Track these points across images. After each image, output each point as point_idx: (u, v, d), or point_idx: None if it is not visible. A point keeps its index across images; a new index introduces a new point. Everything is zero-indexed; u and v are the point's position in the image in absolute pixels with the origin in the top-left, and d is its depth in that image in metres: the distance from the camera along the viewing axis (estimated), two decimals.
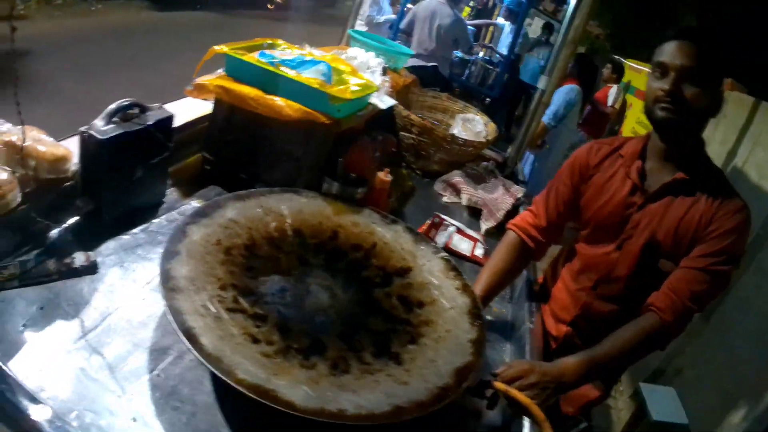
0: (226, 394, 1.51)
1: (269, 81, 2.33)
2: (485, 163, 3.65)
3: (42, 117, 1.59)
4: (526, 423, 1.71)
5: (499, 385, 1.71)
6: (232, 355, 1.40)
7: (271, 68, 2.34)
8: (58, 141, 1.98)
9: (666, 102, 2.00)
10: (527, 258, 2.42)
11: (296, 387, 1.39)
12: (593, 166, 2.32)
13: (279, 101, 2.25)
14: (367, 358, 1.64)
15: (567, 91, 6.58)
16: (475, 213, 3.27)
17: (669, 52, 2.02)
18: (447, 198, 3.38)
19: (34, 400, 1.23)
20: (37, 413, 1.21)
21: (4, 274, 1.60)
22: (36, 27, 9.18)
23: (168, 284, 1.52)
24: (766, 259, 4.13)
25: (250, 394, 1.30)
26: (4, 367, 1.30)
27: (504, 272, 2.32)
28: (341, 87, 2.43)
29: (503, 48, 10.20)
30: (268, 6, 18.37)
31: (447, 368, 1.64)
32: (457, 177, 3.42)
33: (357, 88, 2.50)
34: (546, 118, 6.37)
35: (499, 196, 3.28)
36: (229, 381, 1.31)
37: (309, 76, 2.37)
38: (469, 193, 3.30)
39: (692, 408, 3.84)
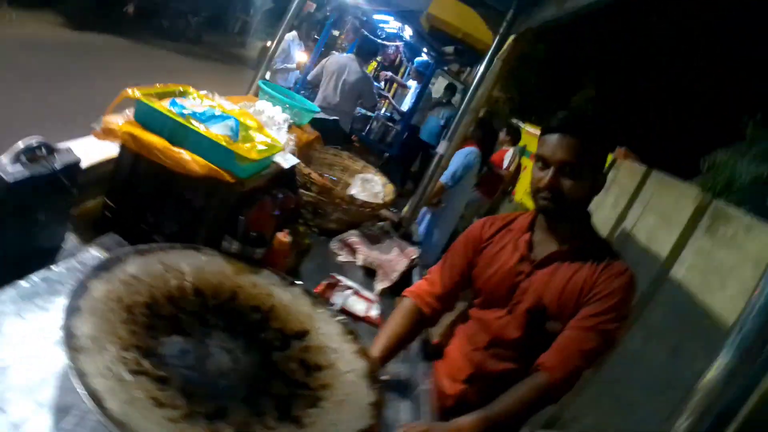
0: None
1: (178, 133, 2.31)
2: (381, 223, 3.72)
3: None
4: None
5: None
6: (139, 420, 1.38)
7: (181, 120, 2.33)
8: None
9: (545, 193, 2.17)
10: (422, 324, 2.50)
11: None
12: (485, 239, 2.46)
13: (185, 155, 2.23)
14: (270, 422, 1.64)
15: (466, 154, 6.74)
16: (369, 273, 3.31)
17: (550, 145, 2.18)
18: (343, 257, 3.41)
19: None
20: None
21: None
22: None
23: (71, 343, 1.49)
24: (652, 315, 4.34)
25: None
26: None
27: (400, 337, 2.38)
28: (248, 145, 2.45)
29: (405, 106, 10.36)
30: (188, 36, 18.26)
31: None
32: (353, 237, 3.47)
33: (263, 147, 2.52)
34: (444, 178, 6.49)
35: (394, 258, 3.34)
36: None
37: (217, 132, 2.38)
38: (364, 254, 3.35)
39: None
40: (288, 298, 2.22)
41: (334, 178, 4.09)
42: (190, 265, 2.13)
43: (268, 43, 4.71)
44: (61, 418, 1.51)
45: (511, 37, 4.21)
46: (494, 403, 2.09)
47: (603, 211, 6.09)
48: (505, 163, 9.33)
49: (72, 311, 1.60)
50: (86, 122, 2.47)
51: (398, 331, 2.41)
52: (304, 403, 1.78)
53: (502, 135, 9.39)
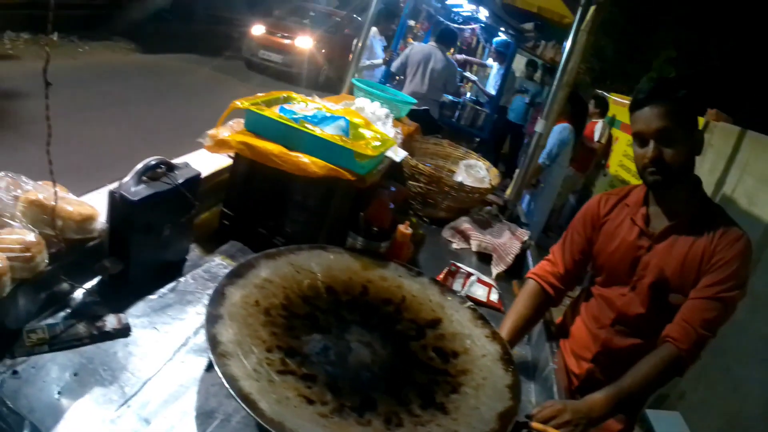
0: None
1: (292, 137, 2.35)
2: (488, 207, 3.69)
3: (38, 159, 1.58)
4: None
5: (537, 425, 1.79)
6: (292, 418, 1.42)
7: (294, 125, 2.37)
8: (80, 196, 1.98)
9: (651, 168, 2.14)
10: (547, 304, 2.49)
11: None
12: (603, 216, 2.44)
13: (304, 158, 2.26)
14: (416, 410, 1.67)
15: (560, 131, 6.68)
16: (484, 258, 3.30)
17: (642, 119, 2.15)
18: (456, 244, 3.41)
19: None
20: None
21: (32, 339, 1.60)
22: (26, 67, 9.22)
23: (217, 350, 1.54)
24: (758, 282, 4.21)
25: None
26: None
27: (527, 318, 2.38)
28: (362, 142, 2.48)
29: (491, 88, 10.26)
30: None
31: (490, 414, 1.70)
32: (465, 224, 3.46)
33: (378, 143, 2.55)
34: (540, 158, 6.46)
35: (507, 241, 3.32)
36: None
37: (331, 132, 2.41)
38: (478, 239, 3.33)
39: (700, 430, 3.86)
40: (417, 289, 2.25)
41: (437, 168, 4.08)
42: (319, 265, 2.17)
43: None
44: (206, 423, 1.56)
45: (593, 7, 4.14)
46: (623, 377, 2.07)
47: (701, 177, 5.93)
48: (596, 136, 9.17)
49: (214, 319, 1.65)
50: (185, 138, 2.52)
51: (524, 313, 2.40)
52: (446, 390, 1.80)
53: (591, 107, 9.24)
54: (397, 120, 3.78)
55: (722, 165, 5.51)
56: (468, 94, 10.69)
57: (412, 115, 4.63)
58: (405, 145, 3.56)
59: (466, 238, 3.41)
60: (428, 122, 5.66)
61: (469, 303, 2.21)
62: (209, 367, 1.69)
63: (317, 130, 2.39)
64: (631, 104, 2.24)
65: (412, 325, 2.09)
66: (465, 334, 2.07)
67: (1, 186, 1.78)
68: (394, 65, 8.04)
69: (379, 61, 8.24)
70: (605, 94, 11.38)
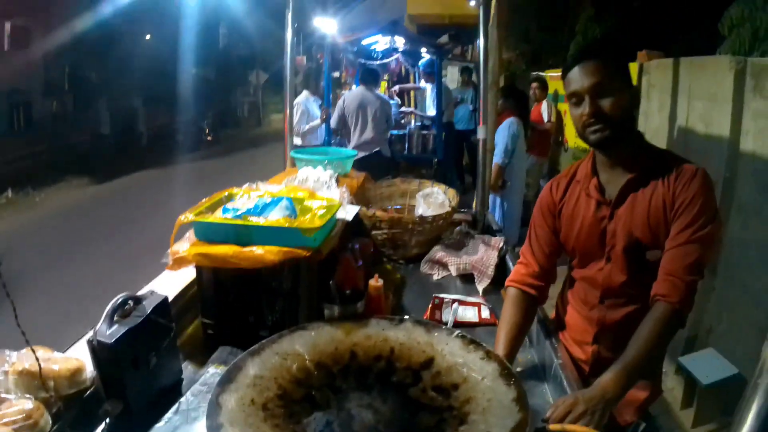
0: None
1: (242, 234, 2.41)
2: (459, 227, 3.74)
3: (29, 318, 1.65)
4: None
5: (554, 426, 1.80)
6: None
7: (239, 222, 2.45)
8: (64, 351, 2.05)
9: (592, 124, 2.18)
10: (533, 305, 2.51)
11: None
12: (558, 202, 2.48)
13: (258, 250, 2.33)
14: None
15: (508, 126, 6.77)
16: (467, 279, 3.34)
17: (575, 78, 2.20)
18: (437, 275, 3.45)
19: None
20: None
21: None
22: None
23: None
24: (743, 195, 4.26)
25: None
26: None
27: (518, 326, 2.40)
28: (308, 216, 2.54)
29: (431, 109, 10.37)
30: (200, 147, 18.54)
31: None
32: (439, 252, 3.51)
33: (323, 211, 2.59)
34: (497, 158, 6.60)
35: (484, 255, 3.37)
36: None
37: (276, 218, 2.48)
38: (455, 263, 3.38)
39: (738, 356, 3.89)
40: (403, 336, 2.28)
41: (399, 206, 4.14)
42: (304, 345, 2.21)
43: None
44: None
45: (493, 2, 4.24)
46: (626, 351, 2.08)
47: (653, 120, 6.00)
48: (545, 117, 9.32)
49: (216, 429, 1.69)
50: (157, 258, 2.58)
51: (513, 320, 2.42)
52: (454, 424, 1.83)
53: (531, 91, 9.38)
54: (345, 176, 3.85)
55: (668, 99, 5.59)
56: (413, 123, 10.79)
57: (365, 161, 4.70)
58: (358, 196, 3.63)
59: (444, 265, 3.46)
60: (381, 163, 5.74)
61: (457, 332, 2.24)
62: None
63: (261, 220, 2.46)
64: (562, 71, 2.30)
65: (407, 372, 2.12)
66: (460, 364, 2.10)
67: None
68: (333, 120, 8.15)
69: (317, 121, 8.32)
70: (540, 73, 11.54)
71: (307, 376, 2.08)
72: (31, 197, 12.12)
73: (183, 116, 19.14)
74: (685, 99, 5.31)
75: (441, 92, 9.67)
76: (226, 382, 1.92)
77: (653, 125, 5.91)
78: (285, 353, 2.14)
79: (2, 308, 1.78)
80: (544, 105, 9.39)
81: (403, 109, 11.32)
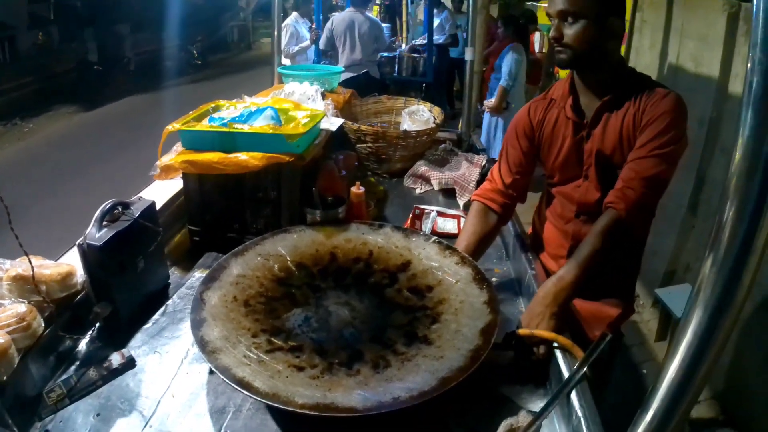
0: (291, 424, 1.64)
1: (227, 141, 2.47)
2: (443, 145, 3.78)
3: (28, 244, 1.72)
4: (558, 354, 1.83)
5: (523, 331, 1.88)
6: (285, 387, 1.55)
7: (224, 129, 2.49)
8: (57, 260, 2.11)
9: (555, 47, 2.22)
10: (495, 220, 2.54)
11: (351, 393, 1.54)
12: (537, 124, 2.50)
13: (242, 156, 2.39)
14: (401, 349, 1.78)
15: (511, 51, 6.87)
16: (449, 193, 3.40)
17: (551, 1, 2.19)
18: (419, 189, 3.50)
19: None
20: None
21: (53, 398, 1.72)
22: None
23: (207, 349, 1.68)
24: (726, 137, 4.29)
25: (315, 413, 1.46)
26: None
27: (477, 236, 2.45)
28: (292, 124, 2.60)
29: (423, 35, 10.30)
30: (189, 71, 18.36)
31: (473, 332, 1.79)
32: (422, 167, 3.55)
33: (306, 120, 2.64)
34: (502, 81, 6.90)
35: (466, 171, 3.41)
36: (292, 409, 1.46)
37: (261, 125, 2.53)
38: (437, 178, 3.43)
39: None
40: (381, 240, 2.35)
41: (385, 124, 4.16)
42: (285, 247, 2.28)
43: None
44: (221, 418, 1.69)
45: None
46: (577, 250, 2.14)
47: (644, 57, 5.99)
48: (536, 47, 9.35)
49: (198, 323, 1.79)
50: (144, 182, 2.63)
51: (472, 230, 2.47)
52: (426, 323, 1.92)
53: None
54: (330, 92, 3.88)
55: (660, 36, 5.58)
56: (404, 45, 10.71)
57: (353, 81, 4.71)
58: (344, 112, 3.67)
59: (426, 180, 3.51)
60: (370, 83, 5.74)
61: (434, 238, 2.30)
62: (212, 370, 1.81)
63: (246, 127, 2.51)
64: None
65: (384, 274, 2.19)
66: (435, 267, 2.17)
67: None
68: (321, 42, 8.13)
69: (306, 42, 8.29)
70: (535, 3, 11.46)
71: (288, 275, 2.16)
72: (19, 128, 11.96)
73: (171, 41, 18.84)
74: (676, 37, 5.30)
75: (431, 15, 9.62)
76: (209, 280, 2.01)
77: (644, 61, 5.90)
78: (267, 254, 2.22)
79: None
80: (536, 36, 9.41)
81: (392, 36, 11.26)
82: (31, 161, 9.68)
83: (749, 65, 0.86)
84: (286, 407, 1.47)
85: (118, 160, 9.04)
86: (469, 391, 1.70)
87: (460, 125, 4.48)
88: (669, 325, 4.47)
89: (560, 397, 1.62)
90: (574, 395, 1.61)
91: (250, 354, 1.70)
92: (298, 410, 1.47)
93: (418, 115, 3.93)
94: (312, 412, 1.46)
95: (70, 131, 11.94)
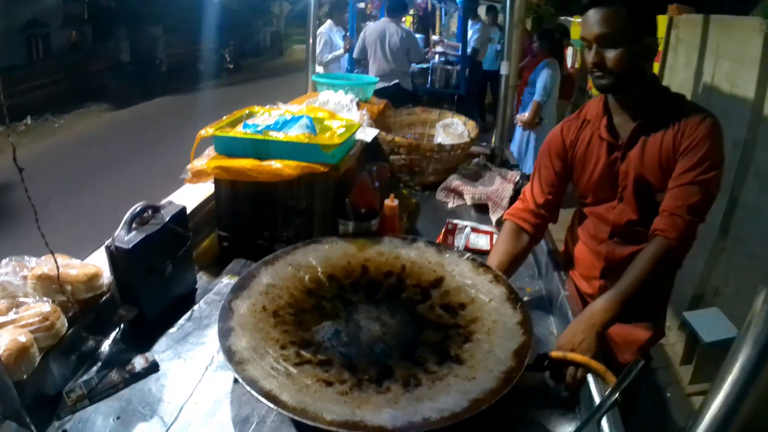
0: None
1: (261, 148, 2.45)
2: (476, 159, 3.75)
3: (38, 239, 1.70)
4: (590, 379, 1.79)
5: (556, 353, 1.84)
6: (314, 402, 1.52)
7: (259, 137, 2.48)
8: (83, 260, 2.09)
9: (595, 72, 2.17)
10: (527, 240, 2.52)
11: (380, 411, 1.51)
12: (570, 145, 2.46)
13: (276, 164, 2.37)
14: (432, 367, 1.75)
15: (546, 66, 6.89)
16: (481, 209, 3.37)
17: (586, 24, 2.16)
18: (452, 203, 3.48)
19: None
20: None
21: (72, 398, 1.70)
22: (6, 159, 9.28)
23: (234, 359, 1.65)
24: (761, 160, 4.23)
25: (344, 430, 1.43)
26: None
27: (509, 255, 2.43)
28: (327, 134, 2.57)
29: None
30: (221, 74, 18.49)
31: (505, 353, 1.76)
32: (455, 181, 3.53)
33: (342, 130, 2.63)
34: (537, 96, 6.91)
35: (499, 186, 3.38)
36: (320, 425, 1.43)
37: (296, 134, 2.51)
38: (470, 193, 3.40)
39: (742, 320, 3.91)
40: (415, 254, 2.32)
41: (417, 136, 4.14)
42: (317, 258, 2.26)
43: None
44: (244, 428, 1.67)
45: None
46: (619, 281, 2.12)
47: (678, 75, 5.94)
48: (569, 63, 9.32)
49: (226, 332, 1.76)
50: (172, 183, 2.62)
51: (503, 249, 2.46)
52: (458, 341, 1.88)
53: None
54: (364, 102, 3.87)
55: (695, 56, 5.54)
56: (437, 58, 10.73)
57: (384, 92, 4.69)
58: (378, 123, 3.65)
59: (459, 194, 3.48)
60: (401, 95, 5.73)
61: (468, 254, 2.28)
62: (236, 379, 1.78)
63: (281, 135, 2.49)
64: (580, 8, 2.28)
65: (416, 289, 2.17)
66: (469, 285, 2.14)
67: (8, 270, 1.89)
68: (355, 51, 8.15)
69: (340, 51, 8.32)
70: (569, 18, 11.43)
71: (319, 287, 2.14)
72: (50, 124, 12.11)
73: (204, 44, 19.05)
74: (712, 57, 5.25)
75: (466, 25, 9.61)
76: (239, 289, 1.99)
77: (678, 80, 5.85)
78: (298, 264, 2.20)
79: (24, 223, 1.83)
80: (569, 51, 9.38)
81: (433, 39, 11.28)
82: (60, 157, 9.78)
83: None
84: (313, 423, 1.45)
85: (146, 160, 9.10)
86: (497, 412, 1.66)
87: (493, 140, 4.45)
88: (696, 350, 4.40)
89: (591, 422, 1.60)
90: (604, 422, 1.58)
91: (278, 366, 1.67)
92: (326, 427, 1.44)
93: (452, 129, 3.92)
94: (340, 430, 1.43)
95: (100, 129, 12.06)
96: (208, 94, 15.30)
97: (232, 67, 19.95)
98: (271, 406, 1.48)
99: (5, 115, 1.50)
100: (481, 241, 2.88)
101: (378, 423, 1.46)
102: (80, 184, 8.18)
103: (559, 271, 2.50)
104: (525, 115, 7.24)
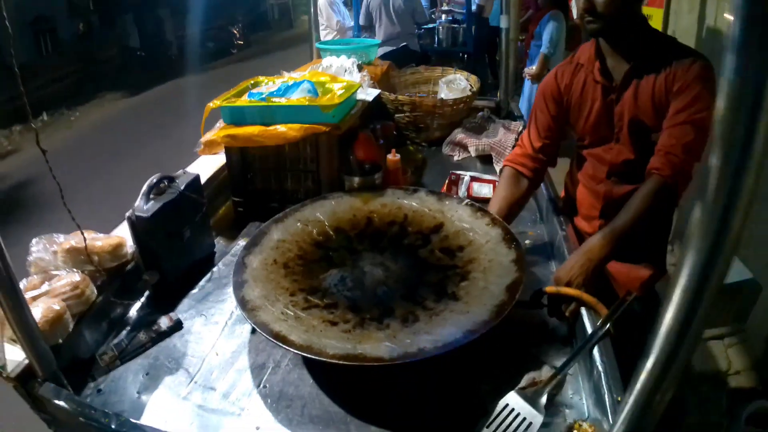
0: (325, 378, 1.76)
1: (266, 114, 2.58)
2: (481, 113, 3.82)
3: (66, 221, 1.85)
4: (584, 312, 1.87)
5: (549, 288, 1.93)
6: (319, 340, 1.65)
7: (263, 103, 2.60)
8: (109, 234, 2.24)
9: (586, 18, 2.23)
10: (527, 185, 2.58)
11: (379, 345, 1.63)
12: (564, 89, 2.53)
13: (281, 128, 2.50)
14: (430, 305, 1.86)
15: (551, 18, 6.88)
16: (486, 160, 3.45)
17: None
18: (457, 156, 3.56)
19: None
20: None
21: (105, 360, 1.86)
22: (28, 154, 9.58)
23: (247, 307, 1.79)
24: None
25: (345, 363, 1.56)
26: (138, 422, 1.59)
27: (508, 200, 2.49)
28: (328, 96, 2.68)
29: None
30: (232, 51, 18.48)
31: (499, 289, 1.85)
32: (460, 134, 3.61)
33: (342, 91, 2.73)
34: (544, 48, 6.95)
35: (502, 137, 3.45)
36: (324, 359, 1.57)
37: (298, 97, 2.63)
38: (475, 145, 3.48)
39: (756, 264, 3.92)
40: (416, 204, 2.42)
41: (423, 94, 4.21)
42: (324, 213, 2.38)
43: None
44: (261, 373, 1.82)
45: None
46: (615, 218, 2.18)
47: (682, 20, 5.90)
48: (575, 13, 9.27)
49: (239, 285, 1.90)
50: (190, 161, 2.75)
51: (503, 195, 2.52)
52: (456, 280, 1.99)
53: None
54: (368, 64, 3.96)
55: (699, 0, 5.51)
56: (443, 17, 10.71)
57: (392, 55, 4.76)
58: (383, 83, 3.74)
59: (464, 147, 3.56)
60: (409, 56, 5.78)
61: (467, 200, 2.36)
62: (253, 330, 1.92)
63: (283, 100, 2.61)
64: None
65: (418, 236, 2.27)
66: (467, 229, 2.23)
67: (39, 248, 2.03)
68: (361, 18, 8.17)
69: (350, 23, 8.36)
70: None
71: (326, 239, 2.26)
72: (66, 116, 12.17)
73: (212, 22, 19.00)
74: (714, 1, 5.23)
75: None
76: (251, 245, 2.13)
77: (683, 25, 5.80)
78: (306, 220, 2.32)
79: (49, 211, 1.97)
80: (574, 2, 9.34)
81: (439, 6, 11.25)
82: (80, 147, 9.90)
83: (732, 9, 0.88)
84: (317, 357, 1.58)
85: (164, 141, 9.16)
86: (498, 348, 1.80)
87: (498, 93, 4.50)
88: None
89: (582, 352, 1.69)
90: (596, 351, 1.67)
91: (288, 311, 1.81)
92: (328, 360, 1.57)
93: (455, 84, 3.98)
94: (341, 362, 1.56)
95: (116, 117, 12.15)
96: (219, 72, 15.30)
97: (242, 42, 19.92)
98: (280, 345, 1.62)
99: (29, 111, 1.64)
100: (484, 190, 2.96)
101: (376, 354, 1.58)
102: (101, 169, 8.32)
103: (558, 216, 2.57)
104: (533, 68, 7.25)
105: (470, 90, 3.87)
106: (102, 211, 2.38)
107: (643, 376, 1.09)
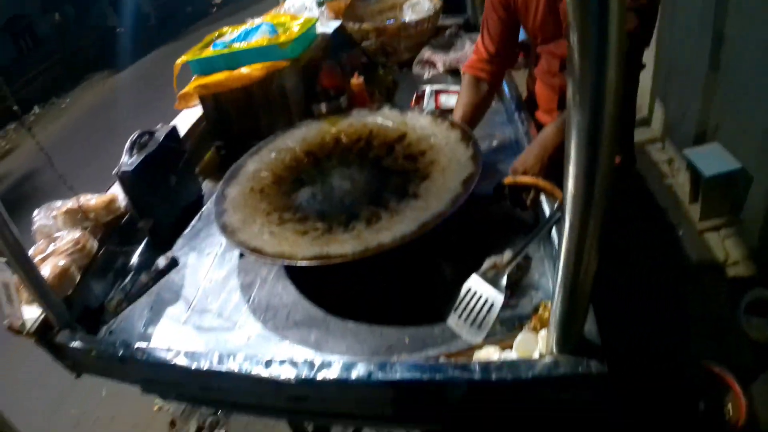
0: (306, 285, 1.95)
1: (231, 60, 2.72)
2: (449, 30, 3.90)
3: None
4: (544, 200, 1.98)
5: (507, 179, 2.03)
6: (291, 248, 1.83)
7: (226, 51, 2.75)
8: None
9: None
10: (486, 89, 2.66)
11: (344, 245, 1.79)
12: None
13: (244, 70, 2.64)
14: (393, 206, 2.00)
15: None
16: (456, 74, 3.48)
17: None
18: (427, 74, 3.63)
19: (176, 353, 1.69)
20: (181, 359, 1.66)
21: (113, 305, 2.07)
22: (26, 150, 9.90)
23: (227, 230, 1.97)
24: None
25: (314, 263, 1.74)
26: (143, 345, 1.78)
27: (470, 106, 2.58)
28: (287, 33, 2.81)
29: None
30: (210, 11, 18.40)
31: (455, 183, 1.98)
32: (427, 52, 3.69)
33: (298, 27, 2.86)
34: None
35: (468, 49, 3.52)
36: (295, 262, 1.76)
37: (257, 39, 2.77)
38: (442, 60, 3.57)
39: (743, 152, 4.02)
40: (380, 120, 2.54)
41: (391, 20, 4.27)
42: (294, 140, 2.53)
43: None
44: (250, 290, 2.02)
45: None
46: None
47: None
48: None
49: (220, 213, 2.09)
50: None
51: (465, 101, 2.60)
52: (417, 182, 2.12)
53: None
54: (331, 1, 4.06)
55: None
56: None
57: None
58: (348, 15, 3.83)
59: (432, 64, 3.64)
60: None
61: (429, 110, 2.48)
62: (241, 255, 2.12)
63: (244, 44, 2.75)
64: None
65: (383, 147, 2.39)
66: (428, 134, 2.35)
67: (41, 216, 2.26)
68: None
69: None
70: None
71: (298, 164, 2.42)
72: (56, 106, 12.18)
73: None
74: None
75: None
76: (230, 178, 2.31)
77: None
78: (279, 149, 2.48)
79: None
80: None
81: None
82: (76, 131, 10.06)
83: None
84: (290, 262, 1.76)
85: (158, 109, 9.25)
86: (463, 241, 1.95)
87: (468, 9, 4.55)
88: (699, 185, 4.44)
89: (538, 234, 1.77)
90: (554, 233, 1.78)
91: (264, 229, 1.98)
92: (298, 262, 1.75)
93: (419, 6, 4.04)
94: (311, 263, 1.73)
95: (106, 96, 12.14)
96: (201, 33, 15.14)
97: (219, 1, 19.78)
98: (257, 256, 1.82)
99: (18, 110, 1.83)
100: (452, 101, 3.01)
101: (341, 253, 1.74)
102: (99, 147, 8.45)
103: (520, 112, 2.68)
104: None
105: (433, 10, 3.95)
106: (105, 188, 2.55)
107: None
